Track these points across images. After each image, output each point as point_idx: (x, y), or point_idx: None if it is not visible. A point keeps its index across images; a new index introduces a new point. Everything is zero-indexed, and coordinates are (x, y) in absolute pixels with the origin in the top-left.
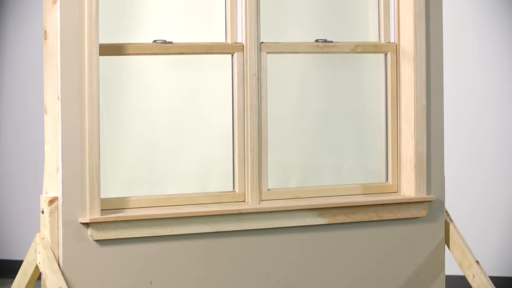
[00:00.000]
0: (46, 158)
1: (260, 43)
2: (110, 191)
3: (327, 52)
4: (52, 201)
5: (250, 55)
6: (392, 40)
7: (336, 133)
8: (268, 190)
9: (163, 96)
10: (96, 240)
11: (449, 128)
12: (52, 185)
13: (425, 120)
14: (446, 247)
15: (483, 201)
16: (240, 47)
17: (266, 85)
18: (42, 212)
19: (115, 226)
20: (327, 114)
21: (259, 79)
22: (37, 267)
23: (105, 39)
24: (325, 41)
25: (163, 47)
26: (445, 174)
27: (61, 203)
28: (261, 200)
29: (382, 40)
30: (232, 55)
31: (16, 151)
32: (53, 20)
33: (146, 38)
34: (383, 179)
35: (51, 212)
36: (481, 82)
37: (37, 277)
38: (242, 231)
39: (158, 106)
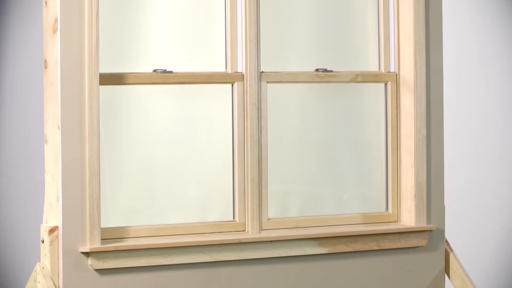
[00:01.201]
0: (47, 187)
1: (260, 72)
2: (110, 220)
3: (327, 82)
4: (52, 230)
5: (250, 84)
6: (392, 70)
7: (336, 163)
8: (268, 219)
9: (163, 125)
10: (97, 270)
11: (449, 157)
12: (52, 214)
13: (425, 150)
14: (446, 276)
15: (483, 230)
16: (240, 77)
17: (266, 114)
18: (42, 242)
19: (115, 256)
20: (327, 143)
21: (259, 109)
22: None
23: (106, 68)
24: (325, 70)
25: (163, 77)
26: (445, 203)
27: (61, 233)
28: (261, 230)
29: (382, 70)
30: (232, 85)
31: (17, 180)
32: (53, 49)
33: (146, 67)
34: (383, 209)
35: (51, 242)
36: (482, 112)
37: None
38: (242, 260)
39: (158, 136)
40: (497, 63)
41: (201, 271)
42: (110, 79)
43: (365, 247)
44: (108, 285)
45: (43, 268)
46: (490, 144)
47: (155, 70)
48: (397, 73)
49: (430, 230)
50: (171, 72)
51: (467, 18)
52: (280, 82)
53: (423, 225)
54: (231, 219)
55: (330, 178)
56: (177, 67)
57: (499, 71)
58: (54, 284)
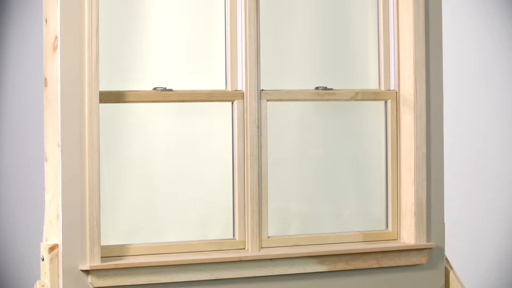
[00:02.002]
0: (46, 205)
1: (260, 90)
2: (110, 238)
3: (327, 100)
4: (52, 248)
5: (250, 102)
6: (392, 88)
7: (336, 181)
8: (268, 237)
9: (163, 143)
10: None
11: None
12: (52, 232)
13: (425, 167)
14: None
15: (483, 247)
16: (240, 95)
17: (266, 132)
18: (42, 259)
19: (115, 274)
20: (327, 161)
21: (259, 127)
22: None
23: (106, 86)
24: (325, 88)
25: (163, 95)
26: (445, 221)
27: (61, 250)
28: (261, 248)
29: (382, 88)
30: (232, 103)
31: (17, 198)
32: (53, 67)
33: (146, 85)
34: (383, 226)
35: (51, 259)
36: (483, 129)
37: None
38: (242, 278)
39: (158, 153)
40: (498, 79)
41: None
42: (110, 97)
43: (365, 265)
44: None
45: (43, 286)
46: (489, 158)
47: (155, 88)
48: (397, 91)
49: (430, 248)
50: (171, 90)
51: (467, 36)
52: (280, 100)
53: (423, 243)
54: (231, 237)
55: (330, 195)
56: (177, 85)
57: (500, 87)
58: None
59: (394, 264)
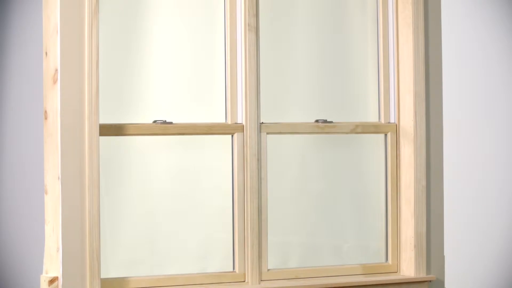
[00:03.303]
0: (46, 238)
1: (260, 123)
2: (110, 271)
3: (327, 133)
4: (52, 281)
5: (250, 135)
6: (392, 120)
7: (336, 213)
8: (268, 270)
9: (163, 176)
10: None
11: (449, 204)
12: (52, 265)
13: (425, 200)
14: None
15: (483, 280)
16: (240, 128)
17: (266, 165)
18: None
19: None
20: (327, 194)
21: (259, 160)
22: None
23: (106, 118)
24: (325, 121)
25: (163, 128)
26: (444, 253)
27: (61, 283)
28: (261, 280)
29: (382, 120)
30: (232, 136)
31: (17, 230)
32: (53, 99)
33: (146, 117)
34: (383, 259)
35: None
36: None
37: None
38: None
39: (158, 186)
40: (501, 110)
41: None
42: (110, 129)
43: None
44: None
45: None
46: (489, 189)
47: (155, 121)
48: (397, 123)
49: (430, 281)
50: (171, 123)
51: (468, 70)
52: (280, 133)
53: (422, 275)
54: (231, 269)
55: (330, 228)
56: (177, 118)
57: (503, 119)
58: None
59: None
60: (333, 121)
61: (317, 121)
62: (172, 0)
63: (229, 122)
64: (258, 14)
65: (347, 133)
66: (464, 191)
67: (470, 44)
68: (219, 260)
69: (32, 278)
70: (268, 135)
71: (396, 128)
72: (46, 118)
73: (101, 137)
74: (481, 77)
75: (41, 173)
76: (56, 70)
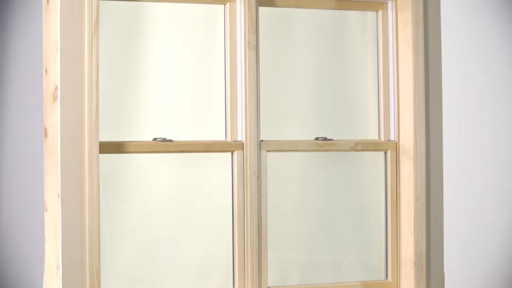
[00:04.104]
0: (46, 255)
1: (260, 141)
2: None
3: (327, 150)
4: None
5: (250, 153)
6: (392, 138)
7: (336, 230)
8: (268, 287)
9: (163, 193)
10: None
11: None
12: (53, 282)
13: (425, 218)
14: None
15: None
16: (240, 145)
17: (266, 183)
18: None
19: None
20: (327, 211)
21: (259, 177)
22: None
23: (105, 136)
24: (325, 139)
25: (163, 145)
26: (444, 271)
27: None
28: None
29: (382, 138)
30: (232, 153)
31: (17, 248)
32: (53, 117)
33: (146, 135)
34: (383, 276)
35: None
36: (483, 177)
37: None
38: None
39: (158, 204)
40: (503, 127)
41: None
42: (110, 147)
43: None
44: None
45: None
46: (489, 208)
47: (155, 139)
48: (397, 141)
49: None
50: (171, 140)
51: (468, 88)
52: (280, 150)
53: None
54: (231, 287)
55: (330, 245)
56: (177, 136)
57: (503, 136)
58: None
59: None
60: (333, 139)
61: (317, 138)
62: (172, 18)
63: (229, 139)
64: (258, 32)
65: (347, 150)
66: (464, 208)
67: (471, 62)
68: (219, 277)
69: None
70: (268, 153)
71: (396, 146)
72: (46, 136)
73: (101, 155)
74: (482, 94)
75: (41, 191)
76: (56, 87)
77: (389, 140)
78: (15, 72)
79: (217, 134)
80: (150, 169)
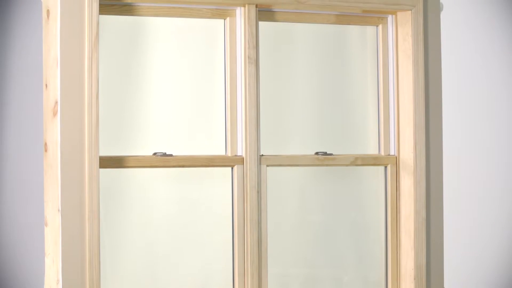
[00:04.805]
0: (46, 270)
1: (260, 156)
2: None
3: (327, 165)
4: None
5: (250, 168)
6: (392, 153)
7: (336, 245)
8: None
9: (163, 207)
10: None
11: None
12: None
13: (425, 232)
14: None
15: None
16: (240, 160)
17: (266, 197)
18: None
19: None
20: (327, 226)
21: (259, 192)
22: None
23: (105, 151)
24: (325, 153)
25: (163, 160)
26: (444, 285)
27: None
28: None
29: (382, 153)
30: (232, 168)
31: (16, 263)
32: (53, 132)
33: (146, 150)
34: None
35: None
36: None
37: None
38: None
39: (158, 218)
40: (500, 141)
41: None
42: (110, 162)
43: None
44: None
45: None
46: (488, 224)
47: (155, 153)
48: (397, 155)
49: None
50: (171, 155)
51: (468, 103)
52: (280, 165)
53: None
54: None
55: (330, 260)
56: (177, 150)
57: (501, 151)
58: None
59: None
60: (333, 153)
61: (317, 153)
62: (172, 33)
63: (229, 154)
64: (258, 46)
65: (347, 165)
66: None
67: (471, 75)
68: None
69: None
70: (268, 167)
71: (396, 160)
72: (46, 150)
73: (101, 169)
74: (482, 107)
75: (41, 205)
76: (56, 102)
77: (389, 154)
78: (15, 86)
79: (217, 149)
80: (150, 184)
